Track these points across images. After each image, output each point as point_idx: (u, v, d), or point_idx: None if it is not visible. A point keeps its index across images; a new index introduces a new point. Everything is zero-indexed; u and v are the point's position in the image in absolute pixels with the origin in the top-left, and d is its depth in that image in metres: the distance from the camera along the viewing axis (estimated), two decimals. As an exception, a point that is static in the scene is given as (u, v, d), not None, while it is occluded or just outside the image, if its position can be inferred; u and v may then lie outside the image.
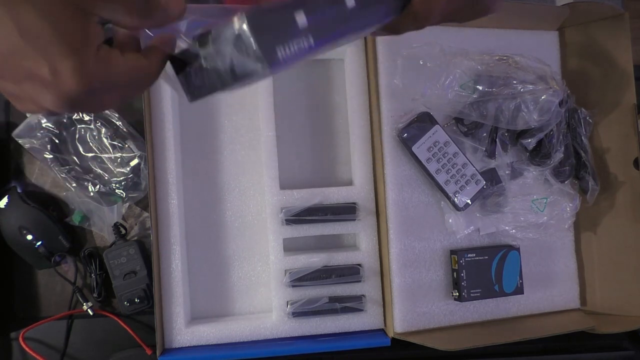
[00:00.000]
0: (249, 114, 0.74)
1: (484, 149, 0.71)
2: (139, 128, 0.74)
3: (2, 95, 0.80)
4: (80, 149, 0.72)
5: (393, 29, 0.40)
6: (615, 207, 0.73)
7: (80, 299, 0.71)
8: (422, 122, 0.68)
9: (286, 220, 0.69)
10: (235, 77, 0.32)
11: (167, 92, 0.69)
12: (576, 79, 0.76)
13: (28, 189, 0.73)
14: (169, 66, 0.35)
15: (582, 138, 0.72)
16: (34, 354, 0.68)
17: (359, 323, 0.70)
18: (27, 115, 0.72)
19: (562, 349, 0.75)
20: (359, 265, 0.71)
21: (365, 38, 0.72)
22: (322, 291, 0.70)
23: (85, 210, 0.72)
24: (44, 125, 0.71)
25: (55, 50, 0.28)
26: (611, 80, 0.72)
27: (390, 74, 0.69)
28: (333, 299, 0.69)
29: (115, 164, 0.72)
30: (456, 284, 0.70)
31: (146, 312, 0.71)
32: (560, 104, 0.67)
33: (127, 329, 0.70)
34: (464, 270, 0.69)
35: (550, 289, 0.75)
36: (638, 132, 0.69)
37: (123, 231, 0.72)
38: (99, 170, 0.72)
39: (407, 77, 0.68)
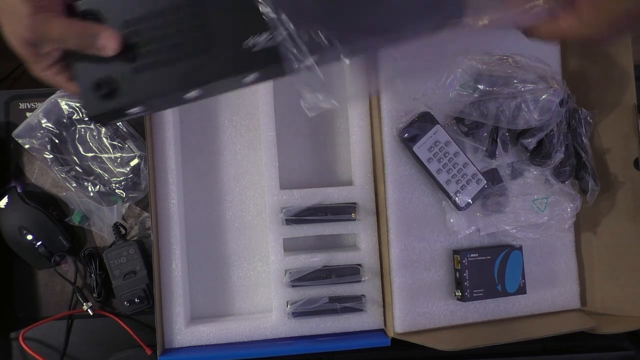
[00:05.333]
0: (249, 114, 0.74)
1: (485, 149, 0.71)
2: (139, 128, 0.74)
3: (3, 95, 0.80)
4: (80, 149, 0.72)
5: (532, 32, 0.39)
6: (615, 207, 0.73)
7: (80, 299, 0.71)
8: (423, 122, 0.68)
9: (286, 220, 0.69)
10: None
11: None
12: (576, 79, 0.75)
13: (28, 189, 0.73)
14: None
15: (583, 138, 0.72)
16: (34, 354, 0.68)
17: (359, 323, 0.70)
18: (27, 115, 0.72)
19: (562, 349, 0.75)
20: (359, 265, 0.71)
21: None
22: (322, 291, 0.70)
23: (85, 210, 0.72)
24: (44, 125, 0.71)
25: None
26: (611, 80, 0.72)
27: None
28: (333, 299, 0.69)
29: (115, 164, 0.72)
30: (459, 284, 0.69)
31: (146, 312, 0.71)
32: (561, 103, 0.67)
33: (127, 329, 0.70)
34: (466, 270, 0.69)
35: (550, 289, 0.75)
36: (638, 132, 0.69)
37: (123, 231, 0.72)
38: (99, 170, 0.72)
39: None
